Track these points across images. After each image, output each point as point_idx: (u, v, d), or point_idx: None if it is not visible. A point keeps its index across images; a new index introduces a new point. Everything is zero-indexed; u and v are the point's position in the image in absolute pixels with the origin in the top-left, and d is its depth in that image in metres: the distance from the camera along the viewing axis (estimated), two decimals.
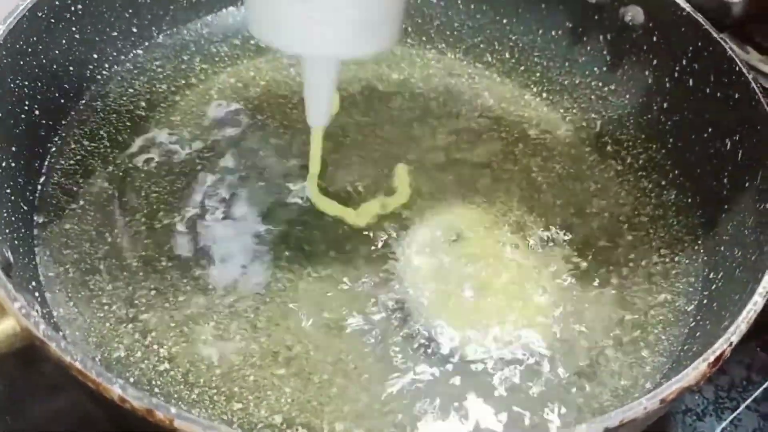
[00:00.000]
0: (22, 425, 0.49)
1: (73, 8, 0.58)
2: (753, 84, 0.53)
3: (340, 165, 0.58)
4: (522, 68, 0.67)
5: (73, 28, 0.58)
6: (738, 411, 0.55)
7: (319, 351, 0.48)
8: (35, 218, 0.53)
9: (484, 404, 0.46)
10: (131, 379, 0.46)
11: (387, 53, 0.67)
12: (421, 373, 0.47)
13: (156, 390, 0.46)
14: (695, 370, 0.39)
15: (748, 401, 0.55)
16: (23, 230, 0.51)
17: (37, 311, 0.39)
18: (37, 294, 0.48)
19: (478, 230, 0.55)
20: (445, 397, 0.46)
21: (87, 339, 0.47)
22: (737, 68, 0.54)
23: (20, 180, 0.53)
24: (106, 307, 0.49)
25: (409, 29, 0.69)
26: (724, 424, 0.54)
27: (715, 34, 0.56)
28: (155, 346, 0.48)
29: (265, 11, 0.45)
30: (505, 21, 0.70)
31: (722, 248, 0.52)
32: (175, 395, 0.46)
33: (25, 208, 0.52)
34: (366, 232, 0.54)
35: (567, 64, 0.67)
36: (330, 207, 0.55)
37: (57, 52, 0.57)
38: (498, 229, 0.55)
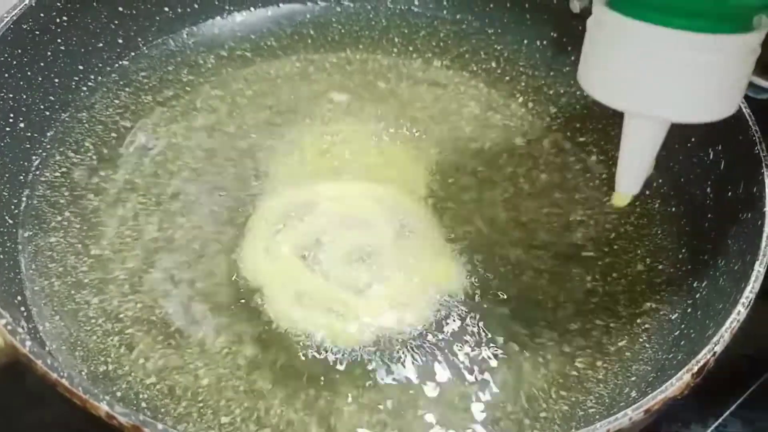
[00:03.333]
0: None
1: (58, 20, 0.58)
2: None
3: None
4: (507, 78, 0.67)
5: (59, 40, 0.58)
6: (723, 417, 0.55)
7: None
8: (20, 231, 0.52)
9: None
10: (118, 393, 0.46)
11: (374, 64, 0.67)
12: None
13: (143, 404, 0.45)
14: (679, 381, 0.39)
15: (733, 408, 0.56)
16: (8, 244, 0.51)
17: (22, 327, 0.39)
18: (22, 308, 0.47)
19: None
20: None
21: (73, 353, 0.47)
22: None
23: (4, 193, 0.52)
24: (92, 321, 0.49)
25: (396, 39, 0.70)
26: (709, 431, 0.55)
27: None
28: (142, 360, 0.47)
29: (604, 66, 0.43)
30: (490, 31, 0.70)
31: (706, 257, 0.53)
32: (162, 409, 0.45)
33: (10, 221, 0.52)
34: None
35: (552, 73, 0.67)
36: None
37: (42, 63, 0.57)
38: None
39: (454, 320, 0.50)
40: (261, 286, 0.51)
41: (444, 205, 0.57)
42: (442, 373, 0.48)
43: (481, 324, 0.50)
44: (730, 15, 0.40)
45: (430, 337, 0.49)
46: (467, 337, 0.50)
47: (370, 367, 0.48)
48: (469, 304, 0.51)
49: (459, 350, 0.49)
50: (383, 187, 0.58)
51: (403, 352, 0.48)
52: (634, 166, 0.46)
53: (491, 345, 0.49)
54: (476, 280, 0.52)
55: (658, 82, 0.41)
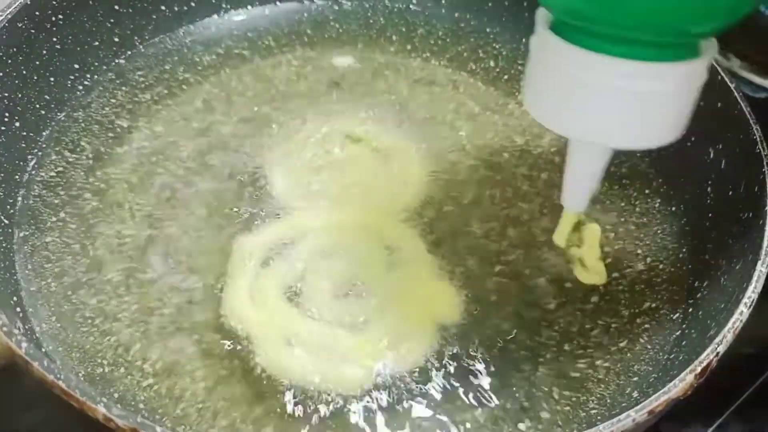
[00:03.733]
0: None
1: (53, 18, 0.57)
2: (736, 93, 0.53)
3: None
4: (506, 77, 0.67)
5: (54, 38, 0.57)
6: (724, 417, 0.55)
7: None
8: (16, 232, 0.52)
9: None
10: (115, 395, 0.45)
11: (372, 63, 0.67)
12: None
13: (141, 406, 0.45)
14: (683, 382, 0.39)
15: (734, 407, 0.55)
16: (3, 244, 0.50)
17: (18, 328, 0.39)
18: (18, 309, 0.47)
19: None
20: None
21: (70, 354, 0.47)
22: (720, 77, 0.54)
23: (0, 193, 0.52)
24: (89, 322, 0.48)
25: (394, 37, 0.69)
26: (710, 430, 0.55)
27: None
28: (139, 362, 0.47)
29: (547, 92, 0.41)
30: (488, 29, 0.70)
31: (707, 256, 0.52)
32: (160, 410, 0.45)
33: (6, 221, 0.51)
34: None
35: None
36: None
37: (37, 62, 0.56)
38: None
39: (456, 349, 0.48)
40: (248, 335, 0.48)
41: (434, 225, 0.55)
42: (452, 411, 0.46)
43: (482, 350, 0.48)
44: (673, 43, 0.38)
45: (434, 372, 0.47)
46: (472, 364, 0.48)
47: (371, 414, 0.45)
48: (469, 326, 0.49)
49: (465, 381, 0.47)
50: (368, 211, 0.55)
51: (406, 394, 0.46)
52: (578, 185, 0.45)
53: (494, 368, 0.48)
54: (471, 295, 0.51)
55: (596, 110, 0.39)
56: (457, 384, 0.47)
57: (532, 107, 0.42)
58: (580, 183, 0.45)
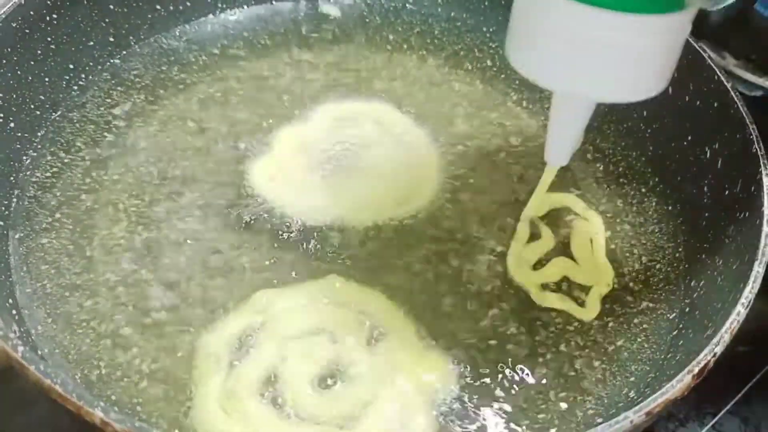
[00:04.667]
0: None
1: (48, 18, 0.57)
2: (732, 93, 0.53)
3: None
4: (503, 76, 0.67)
5: (49, 38, 0.57)
6: (719, 416, 0.55)
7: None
8: (11, 233, 0.52)
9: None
10: (113, 397, 0.45)
11: (368, 62, 0.67)
12: None
13: (138, 408, 0.45)
14: (680, 382, 0.39)
15: (729, 406, 0.56)
16: None
17: (14, 332, 0.38)
18: (14, 311, 0.47)
19: None
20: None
21: (66, 357, 0.47)
22: (716, 77, 0.54)
23: None
24: (84, 324, 0.48)
25: (390, 36, 0.69)
26: (705, 429, 0.55)
27: (694, 43, 0.56)
28: (135, 363, 0.47)
29: (532, 44, 0.41)
30: (485, 28, 0.70)
31: (703, 256, 0.52)
32: (156, 413, 0.45)
33: (0, 223, 0.51)
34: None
35: None
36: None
37: (32, 62, 0.56)
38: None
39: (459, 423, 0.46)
40: None
41: (410, 285, 0.51)
42: None
43: (484, 410, 0.46)
44: None
45: None
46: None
47: None
48: (467, 389, 0.47)
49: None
50: (335, 281, 0.50)
51: None
52: (561, 139, 0.45)
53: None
54: (464, 358, 0.48)
55: (582, 62, 0.39)
56: None
57: (515, 59, 0.42)
58: (563, 137, 0.45)
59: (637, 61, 0.39)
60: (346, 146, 0.59)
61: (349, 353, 0.47)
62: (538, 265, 0.54)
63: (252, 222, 0.54)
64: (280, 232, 0.54)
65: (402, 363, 0.47)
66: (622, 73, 0.40)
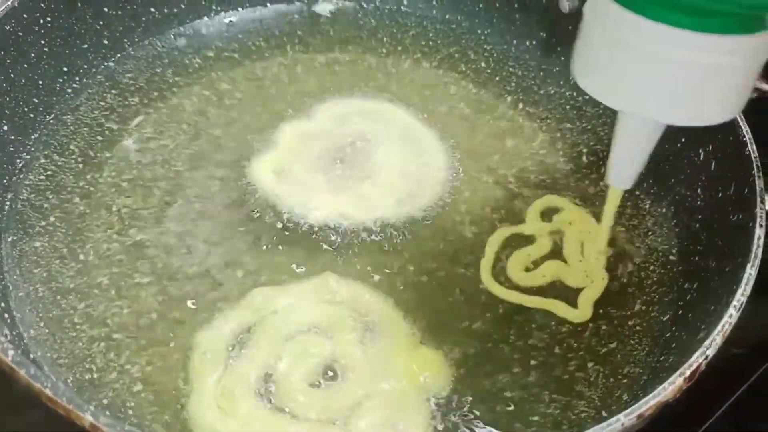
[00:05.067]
0: None
1: (41, 21, 0.57)
2: None
3: None
4: (497, 78, 0.67)
5: (42, 41, 0.57)
6: (712, 419, 0.55)
7: None
8: (4, 237, 0.52)
9: None
10: (105, 401, 0.45)
11: (363, 65, 0.67)
12: None
13: (130, 412, 0.45)
14: (672, 385, 0.39)
15: (722, 409, 0.55)
16: None
17: (5, 335, 0.38)
18: (6, 315, 0.47)
19: None
20: None
21: (58, 360, 0.47)
22: None
23: None
24: (77, 327, 0.48)
25: (385, 39, 0.69)
26: None
27: None
28: (128, 367, 0.47)
29: (603, 64, 0.39)
30: (479, 31, 0.70)
31: (696, 258, 0.53)
32: (149, 417, 0.45)
33: None
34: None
35: (542, 73, 0.67)
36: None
37: (26, 65, 0.56)
38: None
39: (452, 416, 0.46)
40: None
41: (405, 285, 0.52)
42: None
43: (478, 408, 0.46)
44: (742, 14, 0.36)
45: None
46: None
47: None
48: (461, 384, 0.47)
49: None
50: (329, 279, 0.50)
51: None
52: (627, 162, 0.44)
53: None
54: (458, 356, 0.48)
55: (658, 83, 0.38)
56: None
57: (583, 78, 0.41)
58: (628, 160, 0.44)
59: (713, 83, 0.38)
60: (349, 143, 0.59)
61: (344, 350, 0.47)
62: (532, 266, 0.54)
63: (247, 220, 0.54)
64: (280, 229, 0.54)
65: (396, 359, 0.47)
66: (697, 96, 0.39)
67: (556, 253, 0.55)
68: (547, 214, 0.57)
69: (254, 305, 0.49)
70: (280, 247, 0.53)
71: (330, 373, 0.46)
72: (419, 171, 0.59)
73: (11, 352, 0.36)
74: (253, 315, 0.48)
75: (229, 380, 0.45)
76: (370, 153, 0.59)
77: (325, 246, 0.53)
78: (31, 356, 0.45)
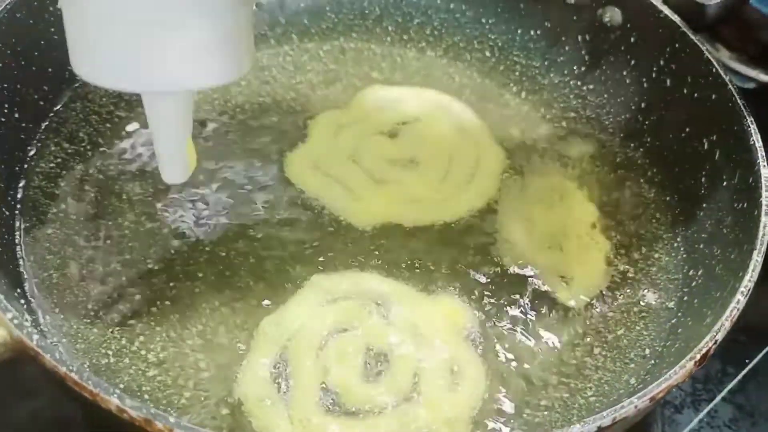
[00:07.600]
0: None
1: (51, 8, 0.57)
2: (729, 85, 0.54)
3: None
4: (502, 67, 0.67)
5: (52, 29, 0.56)
6: (714, 402, 0.56)
7: None
8: (17, 223, 0.52)
9: None
10: (121, 386, 0.45)
11: (368, 54, 0.67)
12: None
13: (146, 396, 0.45)
14: (683, 368, 0.40)
15: (724, 393, 0.56)
16: (6, 236, 0.50)
17: (27, 321, 0.39)
18: (22, 301, 0.47)
19: None
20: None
21: (74, 346, 0.47)
22: (714, 69, 0.55)
23: (1, 184, 0.52)
24: (92, 313, 0.49)
25: (389, 28, 0.69)
26: (701, 415, 0.56)
27: (692, 36, 0.57)
28: (143, 352, 0.47)
29: (87, 40, 0.36)
30: (484, 20, 0.70)
31: (701, 246, 0.53)
32: (164, 401, 0.45)
33: (7, 212, 0.51)
34: None
35: (546, 63, 0.67)
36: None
37: (36, 53, 0.56)
38: None
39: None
40: None
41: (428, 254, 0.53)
42: None
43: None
44: None
45: None
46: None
47: None
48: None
49: None
50: (320, 280, 0.51)
51: None
52: (171, 149, 0.42)
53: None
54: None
55: (149, 55, 0.35)
56: None
57: (85, 69, 0.38)
58: (171, 146, 0.42)
59: (200, 43, 0.36)
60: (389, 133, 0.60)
61: (376, 334, 0.48)
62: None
63: (243, 219, 0.55)
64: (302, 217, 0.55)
65: (421, 316, 0.49)
66: (189, 57, 0.37)
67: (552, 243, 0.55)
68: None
69: (270, 337, 0.48)
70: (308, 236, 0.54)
71: (379, 361, 0.47)
72: (473, 168, 0.59)
73: (36, 337, 0.36)
74: (275, 347, 0.48)
75: (298, 412, 0.45)
76: (416, 147, 0.60)
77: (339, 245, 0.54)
78: (49, 341, 0.46)
